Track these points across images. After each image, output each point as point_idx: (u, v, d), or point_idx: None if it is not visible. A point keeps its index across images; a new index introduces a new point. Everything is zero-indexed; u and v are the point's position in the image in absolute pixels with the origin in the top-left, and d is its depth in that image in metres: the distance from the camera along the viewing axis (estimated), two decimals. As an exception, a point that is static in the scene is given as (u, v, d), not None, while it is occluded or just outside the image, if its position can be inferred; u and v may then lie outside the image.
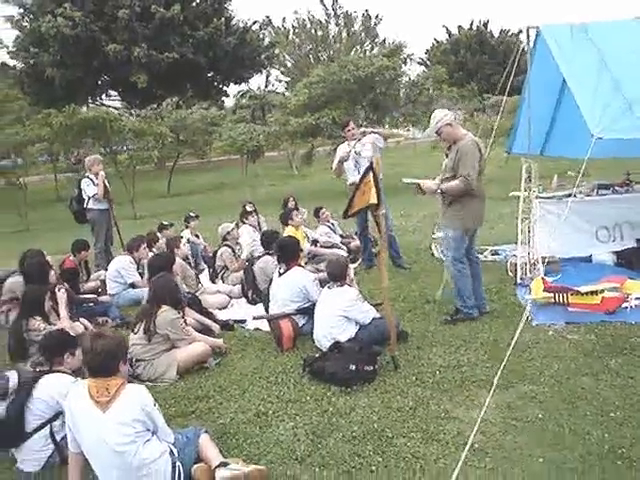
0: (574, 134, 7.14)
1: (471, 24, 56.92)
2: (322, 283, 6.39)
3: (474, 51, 54.41)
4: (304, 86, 19.77)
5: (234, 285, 8.36)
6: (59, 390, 4.20)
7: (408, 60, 21.64)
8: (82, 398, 3.57)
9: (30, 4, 36.72)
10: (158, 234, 9.46)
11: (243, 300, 7.97)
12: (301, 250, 6.89)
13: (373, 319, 5.68)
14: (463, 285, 6.31)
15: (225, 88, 44.09)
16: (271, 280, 7.15)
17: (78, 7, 34.60)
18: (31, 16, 36.59)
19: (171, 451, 3.68)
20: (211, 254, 9.98)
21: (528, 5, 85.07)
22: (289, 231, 8.81)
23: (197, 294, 7.58)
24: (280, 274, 6.47)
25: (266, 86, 53.32)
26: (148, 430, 3.60)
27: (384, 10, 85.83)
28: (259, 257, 8.01)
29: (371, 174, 5.03)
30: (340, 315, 5.56)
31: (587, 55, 6.75)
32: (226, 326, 6.73)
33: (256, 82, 49.09)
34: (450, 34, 58.45)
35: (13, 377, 4.29)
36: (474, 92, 29.43)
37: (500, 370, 4.55)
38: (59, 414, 4.20)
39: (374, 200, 5.05)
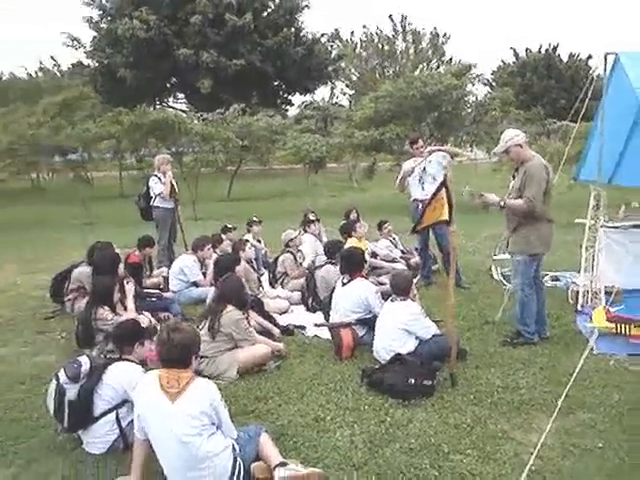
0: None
1: (540, 47, 56.27)
2: (383, 296, 6.44)
3: (541, 75, 53.69)
4: (371, 100, 19.89)
5: (293, 291, 8.48)
6: (128, 378, 4.35)
7: (476, 81, 21.55)
8: (152, 387, 3.70)
9: (109, 7, 37.89)
10: (222, 236, 9.67)
11: (302, 307, 8.08)
12: (365, 262, 6.95)
13: (433, 335, 5.72)
14: (528, 310, 6.28)
15: (290, 97, 44.60)
16: (332, 289, 7.26)
17: (154, 11, 35.62)
18: (109, 18, 37.79)
19: (233, 447, 3.78)
20: (271, 259, 10.15)
21: (598, 31, 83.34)
22: (352, 242, 8.88)
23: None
24: (343, 284, 6.56)
25: (330, 98, 53.77)
26: (213, 424, 3.71)
27: (452, 29, 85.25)
28: (321, 266, 8.11)
29: (444, 190, 5.07)
30: (402, 328, 5.61)
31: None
32: (286, 331, 6.83)
33: (320, 93, 48.99)
34: (517, 56, 57.90)
35: (85, 362, 4.45)
36: (540, 116, 29.08)
37: (563, 396, 4.52)
38: (125, 401, 4.36)
39: (445, 217, 5.09)
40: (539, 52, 55.85)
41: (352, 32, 55.86)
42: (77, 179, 23.94)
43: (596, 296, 7.57)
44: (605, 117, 7.48)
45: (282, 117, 35.65)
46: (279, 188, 28.59)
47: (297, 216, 16.47)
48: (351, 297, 6.37)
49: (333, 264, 7.81)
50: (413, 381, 4.96)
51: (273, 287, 8.97)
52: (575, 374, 4.75)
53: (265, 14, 39.15)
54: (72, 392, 4.35)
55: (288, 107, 45.65)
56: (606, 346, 6.17)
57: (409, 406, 4.88)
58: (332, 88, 53.71)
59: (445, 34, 55.50)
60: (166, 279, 8.93)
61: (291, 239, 9.30)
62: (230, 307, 5.70)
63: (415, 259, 9.63)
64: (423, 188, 8.63)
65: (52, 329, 7.55)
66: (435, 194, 5.19)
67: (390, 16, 55.47)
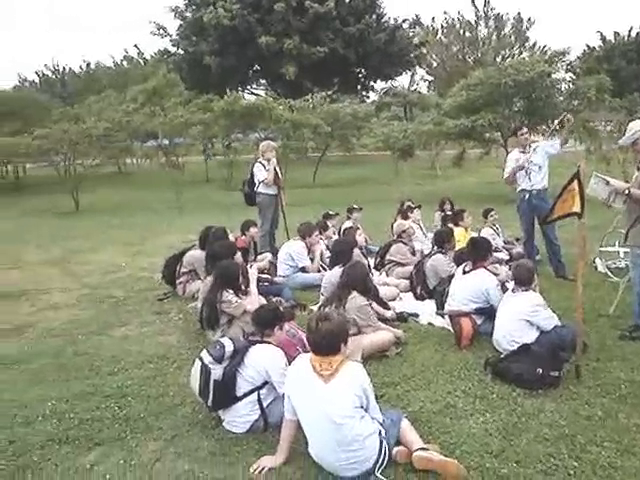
0: None
1: (630, 30, 54.22)
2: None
3: (630, 59, 51.83)
4: (462, 88, 19.67)
5: (399, 279, 8.58)
6: (270, 360, 4.54)
7: (569, 68, 21.02)
8: (305, 369, 3.88)
9: (194, -4, 38.73)
10: (327, 222, 9.85)
11: (410, 295, 8.15)
12: (491, 253, 6.97)
13: (555, 326, 5.72)
14: None
15: (372, 84, 44.52)
16: (441, 278, 7.34)
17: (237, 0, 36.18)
18: (194, 7, 38.54)
19: (380, 431, 3.92)
20: (372, 246, 10.32)
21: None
22: (459, 232, 8.94)
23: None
24: (465, 272, 6.61)
25: (410, 85, 53.38)
26: (362, 407, 3.86)
27: (537, 13, 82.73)
28: (430, 254, 8.17)
29: (576, 182, 5.06)
30: (524, 319, 5.62)
31: None
32: (400, 318, 6.94)
33: (400, 80, 48.73)
34: (605, 40, 55.95)
35: (229, 344, 4.66)
36: (636, 102, 28.16)
37: None
38: (266, 383, 4.54)
39: (577, 209, 5.08)
40: (629, 36, 53.82)
41: (433, 18, 55.56)
42: (169, 164, 24.62)
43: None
44: None
45: (362, 103, 35.76)
46: (363, 175, 28.65)
47: (384, 203, 16.67)
48: (472, 286, 6.41)
49: (443, 253, 7.89)
50: (541, 371, 4.99)
51: (380, 273, 9.09)
52: None
53: (347, 1, 39.08)
54: (217, 372, 4.55)
55: (369, 94, 45.60)
56: None
57: (537, 396, 4.91)
58: (412, 75, 53.32)
59: (530, 19, 54.30)
60: (272, 264, 9.17)
61: (404, 230, 9.37)
62: (355, 293, 5.84)
63: (517, 249, 9.58)
64: (530, 179, 8.57)
65: (167, 310, 7.89)
66: (566, 186, 5.17)
67: (473, 1, 54.56)
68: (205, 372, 4.59)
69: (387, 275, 8.87)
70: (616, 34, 55.01)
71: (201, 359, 4.66)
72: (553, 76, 19.52)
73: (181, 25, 39.35)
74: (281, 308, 5.33)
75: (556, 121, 8.67)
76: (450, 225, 9.30)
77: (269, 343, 4.76)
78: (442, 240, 8.06)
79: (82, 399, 5.19)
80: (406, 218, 10.11)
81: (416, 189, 22.49)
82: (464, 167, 24.58)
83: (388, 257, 9.07)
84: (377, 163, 31.84)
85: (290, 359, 4.54)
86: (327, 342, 3.86)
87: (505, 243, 10.06)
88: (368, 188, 24.37)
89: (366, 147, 29.44)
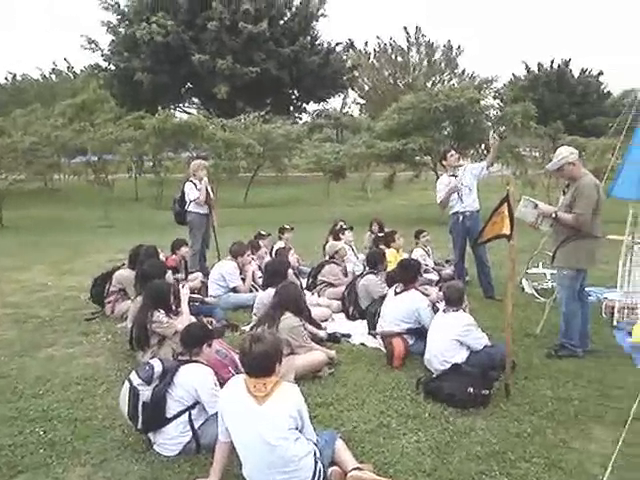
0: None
1: (552, 62, 56.61)
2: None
3: (552, 89, 54.01)
4: (394, 111, 20.05)
5: (331, 300, 8.60)
6: (198, 380, 4.48)
7: (497, 95, 21.76)
8: (239, 391, 3.82)
9: (127, 11, 38.23)
10: (260, 242, 9.81)
11: (342, 315, 8.18)
12: (421, 274, 7.08)
13: (485, 346, 5.82)
14: (573, 323, 6.42)
15: (305, 105, 44.85)
16: (373, 299, 7.41)
17: (171, 16, 36.04)
18: (127, 22, 38.11)
19: (314, 452, 3.90)
20: (304, 267, 10.34)
21: (610, 47, 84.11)
22: (391, 253, 9.04)
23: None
24: (396, 293, 6.67)
25: (342, 107, 54.00)
26: (297, 428, 3.82)
27: (465, 42, 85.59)
28: (362, 275, 8.23)
29: (506, 205, 5.20)
30: (454, 339, 5.69)
31: None
32: (333, 338, 6.94)
33: (333, 102, 49.26)
34: (529, 70, 58.16)
35: (157, 365, 4.58)
36: (559, 129, 29.34)
37: (633, 409, 4.63)
38: (197, 403, 4.47)
39: (507, 230, 5.22)
40: (551, 67, 56.11)
41: (366, 42, 56.25)
42: (97, 181, 24.13)
43: (632, 312, 7.72)
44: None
45: (294, 124, 35.92)
46: (295, 195, 28.78)
47: (315, 224, 16.78)
48: (403, 307, 6.48)
49: (375, 274, 7.94)
50: (472, 390, 5.08)
51: (312, 294, 9.11)
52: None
53: (282, 22, 39.43)
54: (146, 394, 4.47)
55: (302, 115, 45.91)
56: None
57: (468, 414, 5.00)
58: (345, 97, 53.98)
59: (459, 47, 55.94)
60: (204, 284, 9.07)
61: (336, 251, 9.40)
62: (288, 314, 5.83)
63: (447, 270, 9.76)
64: (462, 200, 8.78)
65: (95, 331, 7.66)
66: (497, 208, 5.31)
67: (405, 27, 55.87)
68: (134, 394, 4.49)
69: (319, 296, 8.87)
70: (539, 65, 57.34)
71: (130, 381, 4.56)
72: (482, 102, 20.15)
73: (113, 40, 38.81)
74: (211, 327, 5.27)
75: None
76: (382, 246, 9.38)
77: (198, 362, 4.69)
78: (374, 261, 8.13)
79: (4, 424, 4.99)
80: (338, 239, 10.16)
81: (347, 210, 22.73)
82: (395, 189, 24.96)
83: (320, 278, 9.08)
84: (309, 184, 32.04)
85: (222, 380, 4.51)
86: (261, 364, 3.81)
87: (435, 264, 10.22)
88: (300, 209, 24.50)
89: (298, 168, 29.56)
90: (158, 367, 4.57)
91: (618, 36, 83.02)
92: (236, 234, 11.69)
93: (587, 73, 56.17)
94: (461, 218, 8.86)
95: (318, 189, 29.62)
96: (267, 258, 9.72)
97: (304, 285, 9.26)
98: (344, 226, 10.72)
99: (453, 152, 9.08)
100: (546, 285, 9.41)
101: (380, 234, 10.71)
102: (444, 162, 9.15)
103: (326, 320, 7.75)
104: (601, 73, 56.36)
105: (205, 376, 4.54)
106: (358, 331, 7.35)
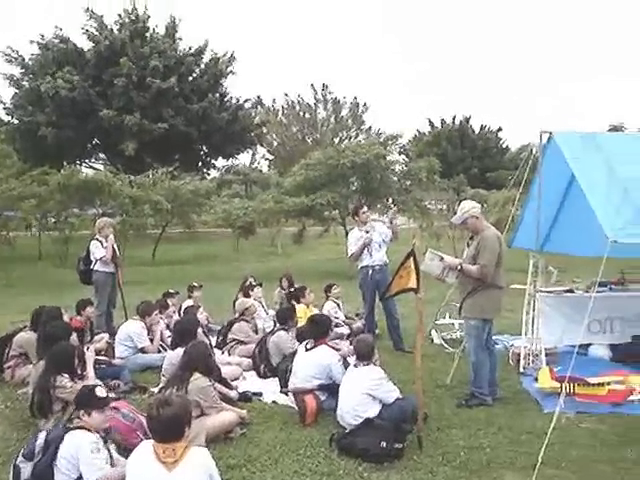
0: (578, 234, 7.71)
1: (454, 118, 59.15)
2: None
3: (455, 144, 56.39)
4: (301, 167, 20.32)
5: (241, 357, 8.47)
6: (76, 448, 4.28)
7: (402, 150, 22.51)
8: (147, 457, 3.67)
9: (31, 64, 37.49)
10: (168, 301, 9.61)
11: (253, 373, 8.04)
12: (331, 329, 7.07)
13: (397, 399, 5.83)
14: (482, 372, 6.57)
15: (214, 161, 44.81)
16: (284, 355, 7.36)
17: (78, 71, 35.53)
18: (31, 76, 37.30)
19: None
20: (213, 325, 10.19)
21: (509, 106, 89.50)
22: (301, 309, 9.04)
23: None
24: (307, 349, 6.62)
25: (251, 163, 54.36)
26: (208, 494, 3.70)
27: (371, 98, 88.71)
28: (272, 332, 8.15)
29: (412, 260, 5.31)
30: (366, 393, 5.66)
31: (597, 162, 7.18)
32: (244, 397, 6.80)
33: (242, 158, 49.59)
34: (433, 126, 60.52)
35: (41, 437, 4.37)
36: (462, 182, 30.57)
37: (540, 455, 4.71)
38: (82, 474, 4.24)
39: (413, 284, 5.31)
40: (453, 123, 58.62)
41: (274, 99, 57.13)
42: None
43: (537, 358, 7.97)
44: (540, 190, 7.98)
45: (203, 180, 35.76)
46: (204, 252, 28.49)
47: (225, 280, 16.65)
48: (315, 363, 6.43)
49: (285, 330, 7.91)
50: (385, 444, 5.08)
51: (222, 352, 8.96)
52: (548, 435, 4.92)
53: (190, 79, 39.53)
54: (27, 471, 4.25)
55: (211, 170, 45.81)
56: (554, 405, 6.46)
57: (383, 469, 4.99)
58: (253, 153, 54.38)
59: (365, 104, 57.59)
60: (110, 345, 8.76)
61: (246, 307, 9.27)
62: (197, 374, 5.69)
63: (358, 324, 9.80)
64: (371, 255, 8.92)
65: (-9, 398, 7.23)
66: (403, 262, 5.41)
67: (312, 85, 57.15)
68: (15, 473, 4.26)
69: (229, 354, 8.71)
70: (442, 121, 59.78)
71: (16, 457, 4.31)
72: (388, 158, 20.72)
73: (16, 93, 37.80)
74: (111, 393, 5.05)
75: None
76: (292, 302, 9.38)
77: (83, 428, 4.46)
78: (284, 317, 8.11)
79: None
80: (248, 295, 10.09)
81: (257, 266, 22.64)
82: (304, 244, 25.14)
83: (230, 335, 8.92)
84: (218, 240, 31.79)
85: (130, 446, 4.32)
86: (169, 428, 3.68)
87: (346, 318, 10.26)
88: (209, 265, 24.21)
89: (207, 224, 29.34)
90: (40, 439, 4.35)
91: (515, 93, 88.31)
92: (144, 293, 11.46)
93: (487, 129, 59.02)
94: (370, 272, 8.98)
95: (228, 245, 29.43)
96: (176, 317, 9.52)
97: (214, 343, 9.10)
98: (253, 282, 10.67)
99: (365, 208, 9.28)
100: (455, 335, 9.61)
101: (290, 290, 10.70)
102: (356, 217, 9.29)
103: (237, 379, 7.60)
104: (500, 129, 59.45)
105: (82, 443, 4.30)
106: (270, 389, 7.26)
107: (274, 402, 6.84)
